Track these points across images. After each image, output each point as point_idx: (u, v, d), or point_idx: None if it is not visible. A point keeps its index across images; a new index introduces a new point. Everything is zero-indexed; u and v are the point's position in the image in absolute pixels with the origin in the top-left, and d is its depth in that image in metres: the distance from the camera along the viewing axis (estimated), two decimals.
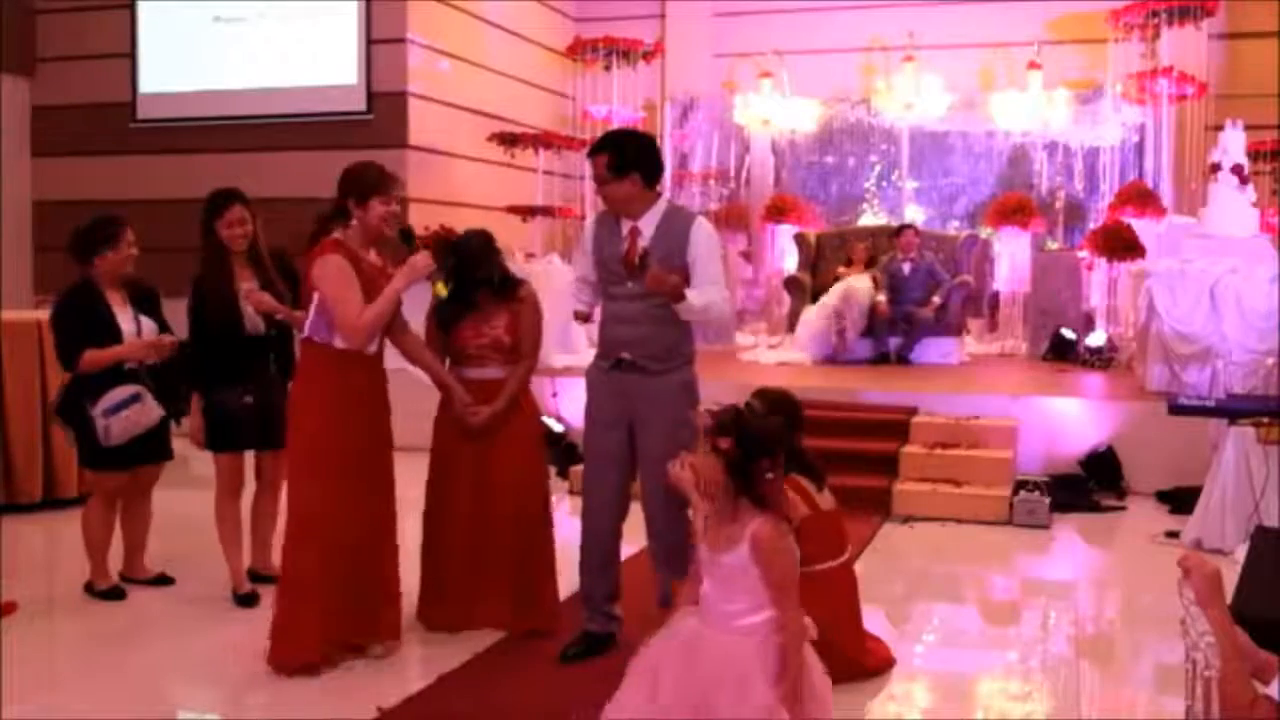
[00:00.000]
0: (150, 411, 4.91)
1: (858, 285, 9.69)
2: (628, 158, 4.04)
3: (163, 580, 5.25)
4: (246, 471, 5.02)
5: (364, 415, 4.14)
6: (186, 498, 6.66)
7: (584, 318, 4.41)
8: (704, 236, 4.11)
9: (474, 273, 4.48)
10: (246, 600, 4.90)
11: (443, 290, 4.18)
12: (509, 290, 4.54)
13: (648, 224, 4.09)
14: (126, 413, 4.82)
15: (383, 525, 4.24)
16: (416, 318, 4.48)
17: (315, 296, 4.09)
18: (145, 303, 5.09)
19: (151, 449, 5.05)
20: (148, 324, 5.02)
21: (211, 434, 4.90)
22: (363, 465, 4.14)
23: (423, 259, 4.09)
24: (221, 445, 4.91)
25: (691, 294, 4.01)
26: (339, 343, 4.07)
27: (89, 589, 5.08)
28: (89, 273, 4.94)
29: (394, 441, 4.28)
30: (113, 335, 4.90)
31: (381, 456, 4.23)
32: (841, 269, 10.18)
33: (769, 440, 2.97)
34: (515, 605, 4.48)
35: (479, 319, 4.49)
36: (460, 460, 4.49)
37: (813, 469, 4.15)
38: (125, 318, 4.96)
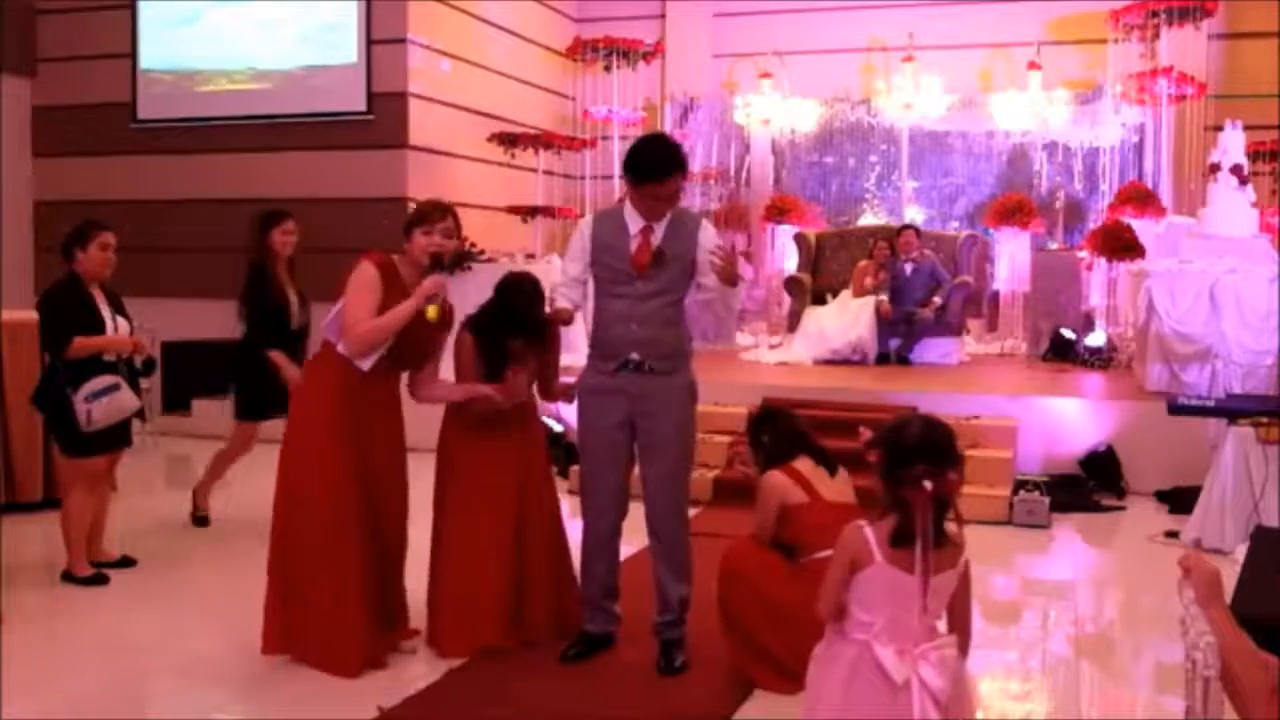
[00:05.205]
0: (128, 400, 5.18)
1: (865, 314, 9.65)
2: (684, 162, 4.16)
3: (125, 563, 5.47)
4: None
5: (349, 425, 4.12)
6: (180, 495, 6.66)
7: (569, 317, 4.30)
8: (710, 236, 4.20)
9: (528, 312, 4.41)
10: None
11: (433, 314, 4.13)
12: (543, 334, 4.48)
13: (660, 224, 4.12)
14: (107, 399, 5.07)
15: (372, 532, 4.20)
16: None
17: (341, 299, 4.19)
18: (116, 304, 5.35)
19: (121, 435, 5.32)
20: (123, 323, 5.31)
21: None
22: (344, 473, 4.10)
23: (431, 282, 4.10)
24: None
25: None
26: (341, 347, 4.13)
27: (69, 578, 5.20)
28: (73, 270, 5.21)
29: (404, 470, 4.34)
30: (98, 326, 5.17)
31: (378, 475, 4.21)
32: (863, 263, 10.11)
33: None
34: (554, 616, 4.47)
35: (516, 367, 4.40)
36: (478, 470, 4.43)
37: (825, 457, 4.19)
38: (106, 314, 5.24)
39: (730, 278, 4.12)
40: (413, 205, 4.30)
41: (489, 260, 9.33)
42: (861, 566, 2.61)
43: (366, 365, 4.13)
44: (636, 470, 4.24)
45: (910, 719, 2.54)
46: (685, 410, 4.20)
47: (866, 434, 2.82)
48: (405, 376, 4.39)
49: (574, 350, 8.93)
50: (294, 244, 6.10)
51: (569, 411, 8.00)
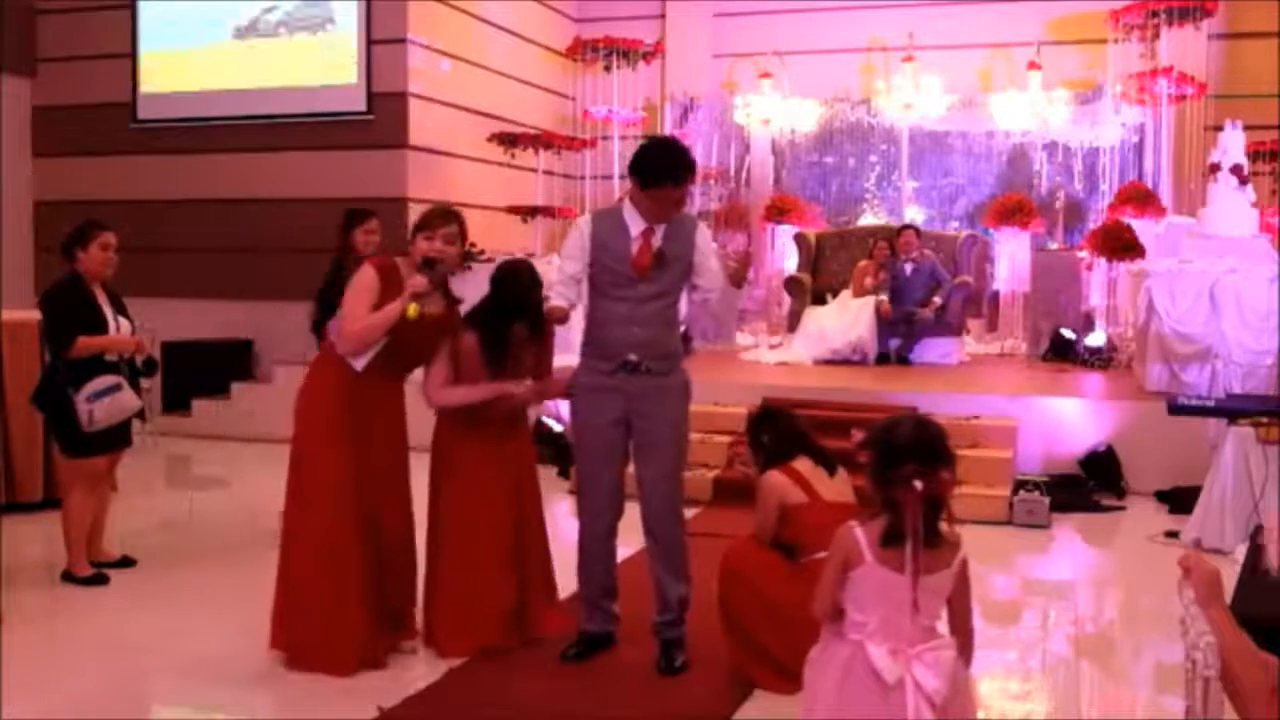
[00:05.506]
0: (130, 400, 5.19)
1: (865, 314, 9.65)
2: (693, 166, 4.21)
3: (125, 563, 5.48)
4: None
5: (350, 425, 4.17)
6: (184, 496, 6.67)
7: (564, 315, 4.22)
8: (706, 238, 4.28)
9: (527, 297, 4.42)
10: None
11: (412, 313, 4.13)
12: (541, 327, 4.48)
13: (660, 226, 4.13)
14: (109, 400, 5.08)
15: (372, 532, 4.23)
16: None
17: None
18: (117, 304, 5.37)
19: (121, 435, 5.34)
20: (124, 323, 5.32)
21: None
22: (344, 473, 4.15)
23: (416, 281, 4.15)
24: None
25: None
26: (338, 347, 4.22)
27: (69, 578, 5.22)
28: (75, 269, 5.22)
29: (406, 471, 4.37)
30: (101, 326, 5.19)
31: (379, 475, 4.24)
32: (863, 263, 10.10)
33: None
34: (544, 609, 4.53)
35: (515, 363, 4.44)
36: (472, 469, 4.44)
37: (825, 457, 4.19)
38: (108, 313, 5.26)
39: (740, 280, 4.19)
40: (412, 205, 4.31)
41: (489, 260, 9.33)
42: (853, 566, 2.61)
43: (359, 364, 4.18)
44: (631, 469, 4.25)
45: (904, 719, 2.54)
46: (681, 409, 4.23)
47: (859, 435, 2.82)
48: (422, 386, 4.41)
49: (571, 350, 8.96)
50: (376, 243, 5.98)
51: (569, 411, 8.03)
